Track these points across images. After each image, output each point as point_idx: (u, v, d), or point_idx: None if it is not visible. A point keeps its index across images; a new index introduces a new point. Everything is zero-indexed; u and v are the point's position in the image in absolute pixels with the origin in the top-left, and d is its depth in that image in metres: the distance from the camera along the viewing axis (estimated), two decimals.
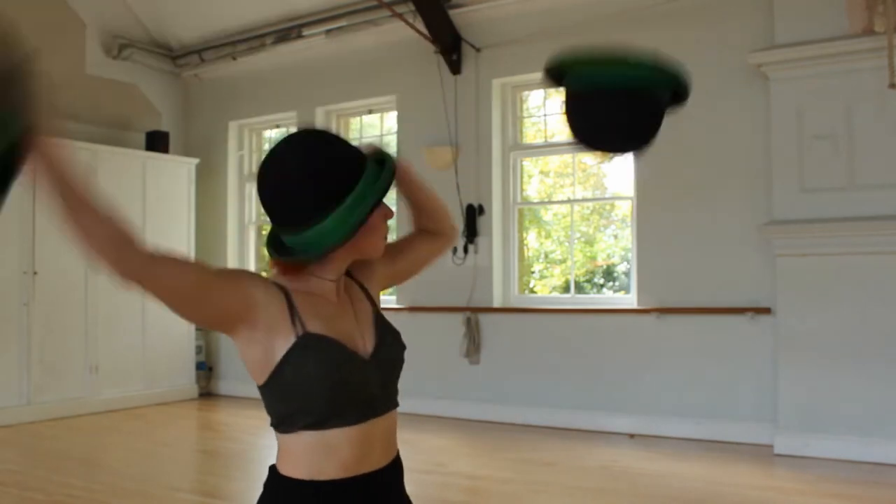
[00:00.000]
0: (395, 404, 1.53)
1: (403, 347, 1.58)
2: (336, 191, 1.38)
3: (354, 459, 1.42)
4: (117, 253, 1.28)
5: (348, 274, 1.56)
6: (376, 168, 1.44)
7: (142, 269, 1.30)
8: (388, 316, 1.61)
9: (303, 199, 1.38)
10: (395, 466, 1.52)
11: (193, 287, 1.35)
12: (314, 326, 1.41)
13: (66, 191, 1.27)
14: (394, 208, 1.53)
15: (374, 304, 1.59)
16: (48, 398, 6.83)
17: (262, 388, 1.43)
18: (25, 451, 5.80)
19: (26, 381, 6.71)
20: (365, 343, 1.49)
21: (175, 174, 7.97)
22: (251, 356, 1.41)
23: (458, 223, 1.58)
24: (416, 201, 1.71)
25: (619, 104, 1.61)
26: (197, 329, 8.08)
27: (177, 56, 8.47)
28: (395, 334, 1.57)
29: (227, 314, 1.38)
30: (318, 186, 1.37)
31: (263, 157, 1.45)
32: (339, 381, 1.40)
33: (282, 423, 1.42)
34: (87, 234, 1.27)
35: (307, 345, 1.39)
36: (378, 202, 1.41)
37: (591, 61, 1.63)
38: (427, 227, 1.75)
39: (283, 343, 1.39)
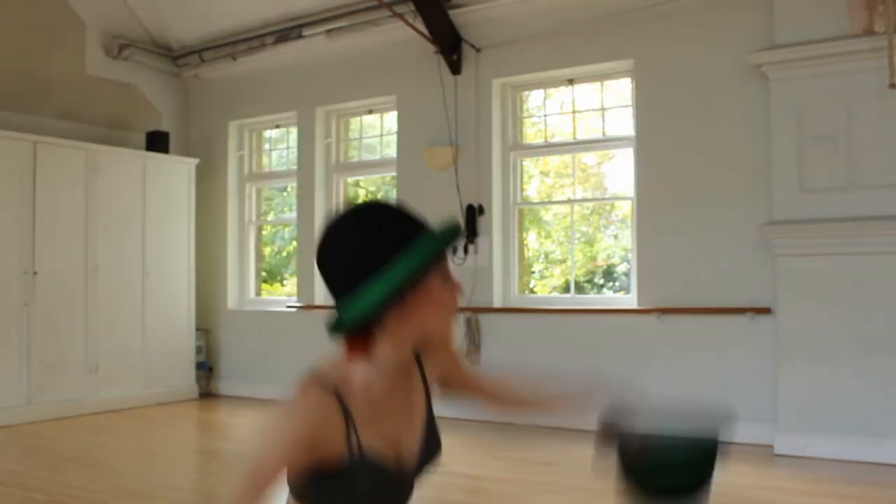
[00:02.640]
0: None
1: (440, 450, 1.57)
2: (382, 252, 1.32)
3: None
4: None
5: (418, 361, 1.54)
6: (436, 234, 1.37)
7: None
8: None
9: (352, 263, 1.33)
10: None
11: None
12: (368, 438, 1.38)
13: None
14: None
15: (428, 399, 1.56)
16: (48, 398, 6.83)
17: (298, 495, 1.40)
18: (25, 451, 5.80)
19: (26, 381, 6.70)
20: (411, 448, 1.48)
21: (175, 174, 7.97)
22: (297, 473, 1.38)
23: None
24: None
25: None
26: (197, 329, 8.09)
27: (177, 56, 8.47)
28: (439, 440, 1.57)
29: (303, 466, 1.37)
30: (366, 250, 1.32)
31: (323, 228, 1.41)
32: (381, 500, 1.43)
33: None
34: None
35: (358, 468, 1.37)
36: (428, 264, 1.33)
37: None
38: (500, 402, 1.82)
39: (334, 460, 1.36)
